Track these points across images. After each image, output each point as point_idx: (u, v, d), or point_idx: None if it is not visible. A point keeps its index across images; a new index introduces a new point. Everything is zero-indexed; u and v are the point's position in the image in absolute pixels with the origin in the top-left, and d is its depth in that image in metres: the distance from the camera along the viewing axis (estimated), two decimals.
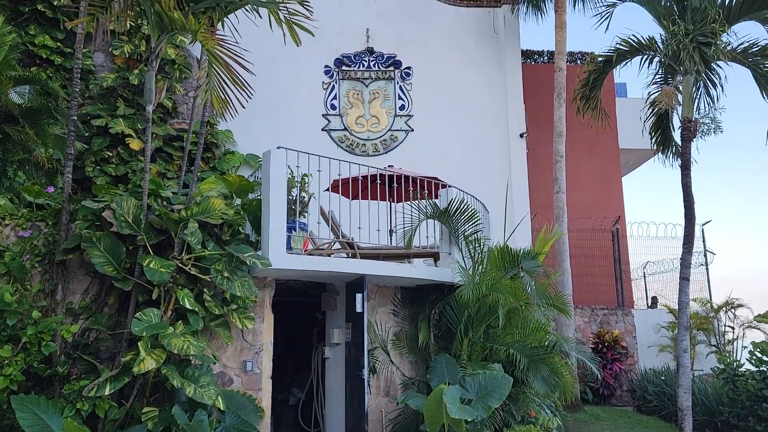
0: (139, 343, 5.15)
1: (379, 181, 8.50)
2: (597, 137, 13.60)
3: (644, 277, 14.98)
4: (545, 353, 7.44)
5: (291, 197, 6.96)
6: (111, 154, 10.45)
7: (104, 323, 5.72)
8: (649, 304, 14.54)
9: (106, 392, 5.04)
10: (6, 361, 4.85)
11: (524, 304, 7.73)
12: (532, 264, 7.84)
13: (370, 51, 12.40)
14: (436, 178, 8.60)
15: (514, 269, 7.79)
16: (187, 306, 5.56)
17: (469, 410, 6.32)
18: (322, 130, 12.10)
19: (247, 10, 6.21)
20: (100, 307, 5.87)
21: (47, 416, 4.80)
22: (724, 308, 12.67)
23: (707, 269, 13.93)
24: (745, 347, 12.18)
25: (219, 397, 5.44)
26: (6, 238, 5.73)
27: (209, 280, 5.83)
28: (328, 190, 8.18)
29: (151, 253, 5.67)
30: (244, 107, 5.49)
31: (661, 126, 9.58)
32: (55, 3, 10.12)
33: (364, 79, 12.37)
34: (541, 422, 7.54)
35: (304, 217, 7.28)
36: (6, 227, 5.75)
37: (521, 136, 12.39)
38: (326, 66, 12.30)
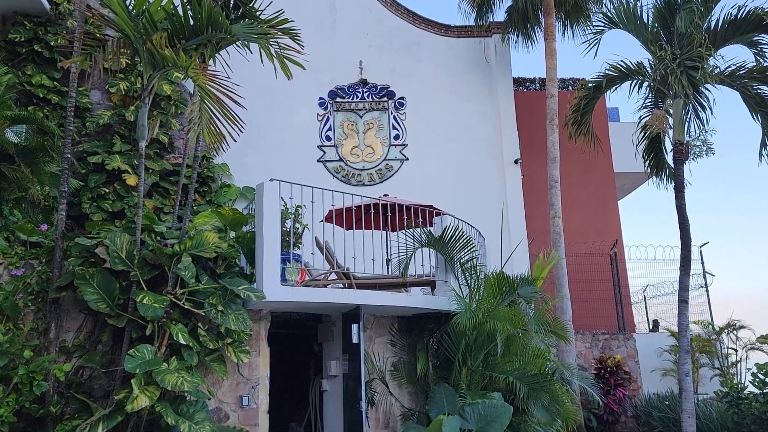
0: (132, 381, 5.09)
1: (373, 211, 8.53)
2: (591, 162, 13.66)
3: (645, 300, 14.88)
4: (545, 381, 7.35)
5: (285, 229, 6.98)
6: (107, 191, 10.49)
7: (98, 361, 5.68)
8: (651, 328, 14.41)
9: None
10: None
11: (522, 331, 7.67)
12: (529, 290, 7.80)
13: (364, 82, 12.56)
14: (431, 206, 8.63)
15: (511, 296, 7.75)
16: (181, 341, 5.52)
17: None
18: (318, 161, 12.18)
19: (238, 46, 6.31)
20: (94, 345, 5.83)
21: None
22: (726, 330, 12.56)
23: (707, 291, 13.85)
24: (748, 369, 12.04)
25: None
26: None
27: (203, 314, 5.80)
28: (322, 221, 8.20)
29: (145, 288, 5.65)
30: (236, 141, 5.54)
31: (653, 149, 9.64)
32: (52, 43, 10.28)
33: (359, 110, 12.49)
34: None
35: (299, 248, 7.28)
36: None
37: (515, 162, 12.48)
38: (320, 98, 12.43)
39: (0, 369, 4.85)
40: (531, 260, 11.66)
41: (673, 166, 8.92)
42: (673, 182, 8.99)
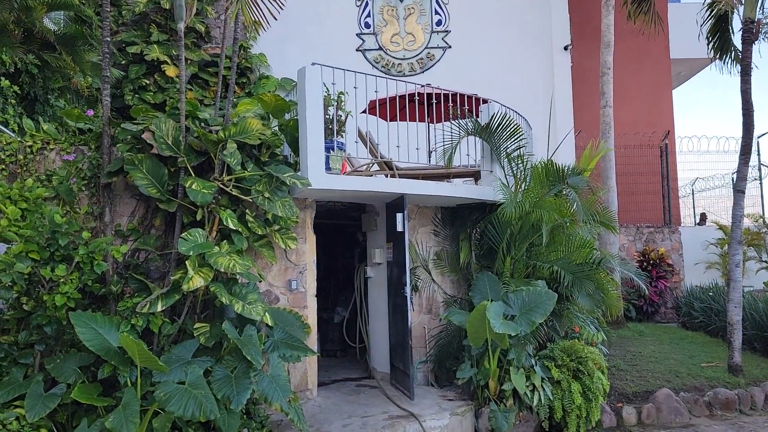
0: (186, 262, 5.24)
1: (417, 99, 8.27)
2: (647, 47, 12.87)
3: (693, 193, 14.50)
4: (590, 270, 7.32)
5: (327, 117, 6.84)
6: (148, 82, 10.39)
7: (152, 244, 5.86)
8: (698, 221, 14.14)
9: (158, 309, 5.20)
10: (62, 280, 5.03)
11: (569, 221, 7.56)
12: (578, 180, 7.60)
13: None
14: (476, 95, 8.31)
15: (559, 186, 7.58)
16: (231, 226, 5.61)
17: (513, 325, 6.34)
18: (357, 50, 11.75)
19: None
20: (147, 229, 6.00)
21: (104, 331, 5.00)
22: None
23: (761, 184, 13.35)
24: None
25: (267, 314, 5.56)
26: (52, 163, 5.83)
27: (251, 200, 5.84)
28: (364, 112, 8.01)
29: (193, 174, 5.69)
30: (276, 19, 5.29)
31: (719, 29, 8.90)
32: None
33: None
34: (585, 337, 7.53)
35: (342, 136, 7.17)
36: (51, 152, 5.84)
37: (565, 48, 11.80)
38: None
39: (62, 248, 5.04)
40: (578, 153, 11.34)
41: (740, 47, 8.26)
42: (738, 65, 8.37)
